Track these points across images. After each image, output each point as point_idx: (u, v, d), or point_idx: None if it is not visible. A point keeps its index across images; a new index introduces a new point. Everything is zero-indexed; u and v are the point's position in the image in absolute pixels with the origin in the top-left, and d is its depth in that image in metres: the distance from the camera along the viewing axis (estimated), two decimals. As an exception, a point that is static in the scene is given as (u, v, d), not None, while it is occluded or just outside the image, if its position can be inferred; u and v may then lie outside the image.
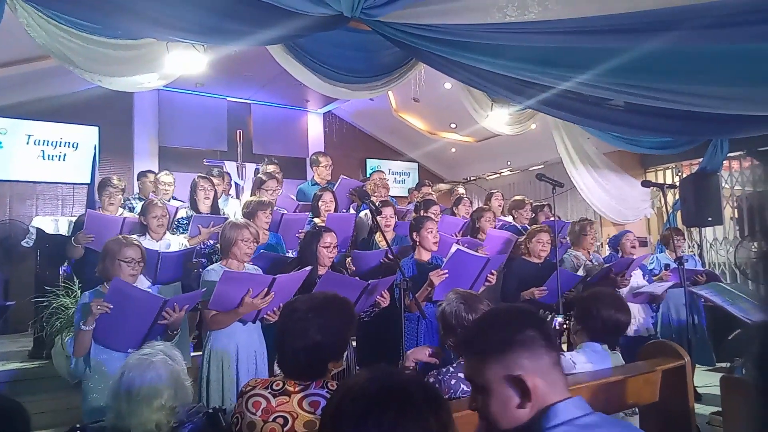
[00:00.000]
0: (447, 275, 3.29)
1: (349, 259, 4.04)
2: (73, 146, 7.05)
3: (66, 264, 4.79)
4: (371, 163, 9.60)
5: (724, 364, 4.94)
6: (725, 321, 4.70)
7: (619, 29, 3.08)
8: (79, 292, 4.20)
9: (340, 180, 5.27)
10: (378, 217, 3.82)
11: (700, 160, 6.30)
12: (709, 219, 6.13)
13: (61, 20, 3.71)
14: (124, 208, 4.80)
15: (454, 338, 2.17)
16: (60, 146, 6.98)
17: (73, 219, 4.97)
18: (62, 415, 3.88)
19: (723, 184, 6.55)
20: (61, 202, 7.00)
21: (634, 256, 4.66)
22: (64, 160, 6.99)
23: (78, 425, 1.75)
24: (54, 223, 4.69)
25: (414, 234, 3.68)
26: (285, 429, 1.56)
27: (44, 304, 4.24)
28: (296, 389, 1.61)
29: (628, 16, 2.94)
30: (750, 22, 2.70)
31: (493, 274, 3.55)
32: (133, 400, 1.68)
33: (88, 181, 6.31)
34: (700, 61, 3.28)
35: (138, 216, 4.01)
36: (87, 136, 7.10)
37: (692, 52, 3.25)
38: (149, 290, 2.98)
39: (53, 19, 3.69)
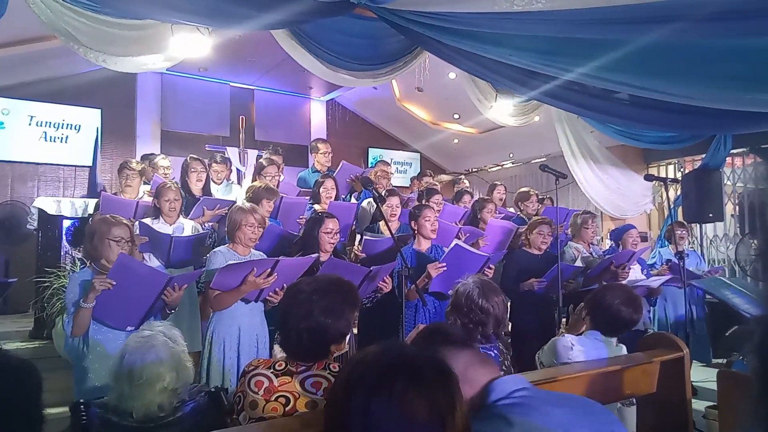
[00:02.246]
0: (445, 268, 3.31)
1: (356, 246, 4.04)
2: (75, 128, 7.04)
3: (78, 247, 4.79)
4: (373, 153, 9.59)
5: (720, 360, 4.97)
6: (724, 317, 4.73)
7: (627, 20, 3.07)
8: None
9: (341, 165, 5.26)
10: (383, 206, 3.82)
11: (703, 156, 6.30)
12: (710, 215, 6.15)
13: (66, -1, 3.69)
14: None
15: (459, 318, 2.19)
16: (62, 128, 6.96)
17: (75, 200, 4.98)
18: (62, 395, 3.88)
19: (725, 181, 6.55)
20: (62, 184, 6.99)
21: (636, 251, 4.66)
22: (66, 141, 6.98)
23: (81, 400, 1.76)
24: (56, 204, 4.68)
25: (413, 222, 3.69)
26: (286, 409, 1.57)
27: (45, 284, 4.26)
28: (298, 370, 1.62)
29: (635, 7, 2.93)
30: (758, 15, 2.68)
31: (491, 268, 3.57)
32: (135, 383, 1.68)
33: (90, 164, 6.33)
34: (707, 54, 3.27)
35: (153, 199, 4.00)
36: (89, 118, 7.09)
37: (699, 45, 3.23)
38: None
39: (59, -2, 3.67)
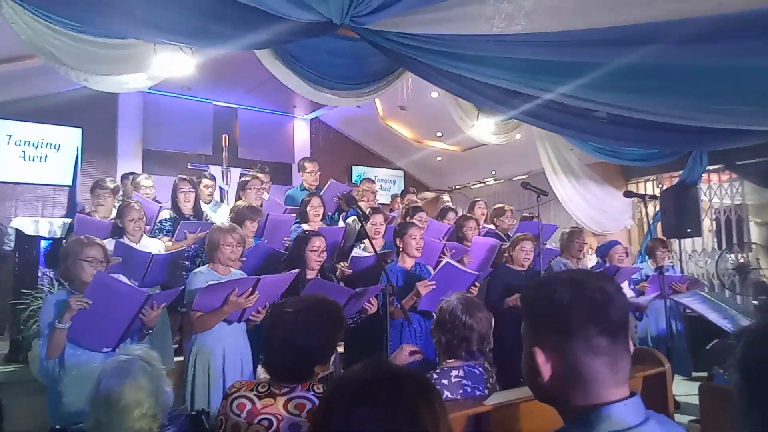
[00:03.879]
0: (434, 286, 3.31)
1: (343, 264, 4.03)
2: (55, 147, 6.95)
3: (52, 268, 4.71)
4: (357, 170, 9.62)
5: (702, 374, 5.01)
6: (703, 331, 4.78)
7: (604, 42, 3.15)
8: (58, 293, 4.12)
9: (329, 183, 5.27)
10: (367, 224, 3.83)
11: (680, 172, 6.42)
12: (689, 230, 6.24)
13: (47, 18, 3.67)
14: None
15: (443, 335, 2.19)
16: (42, 147, 6.88)
17: (53, 220, 4.90)
18: (39, 420, 3.79)
19: (702, 197, 6.69)
20: (41, 204, 6.88)
21: (621, 266, 4.73)
22: (45, 161, 6.89)
23: (58, 426, 1.71)
24: (34, 224, 4.60)
25: (397, 240, 3.70)
26: (270, 431, 1.55)
27: (22, 306, 4.16)
28: (282, 391, 1.60)
29: (613, 30, 3.00)
30: (731, 38, 2.78)
31: (476, 286, 3.58)
32: (113, 410, 1.63)
33: (70, 183, 6.24)
34: (682, 74, 3.36)
35: (115, 219, 3.95)
36: (69, 137, 7.01)
37: (675, 66, 3.32)
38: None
39: (39, 17, 3.65)
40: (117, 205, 4.76)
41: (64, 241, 4.00)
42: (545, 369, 0.99)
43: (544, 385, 1.00)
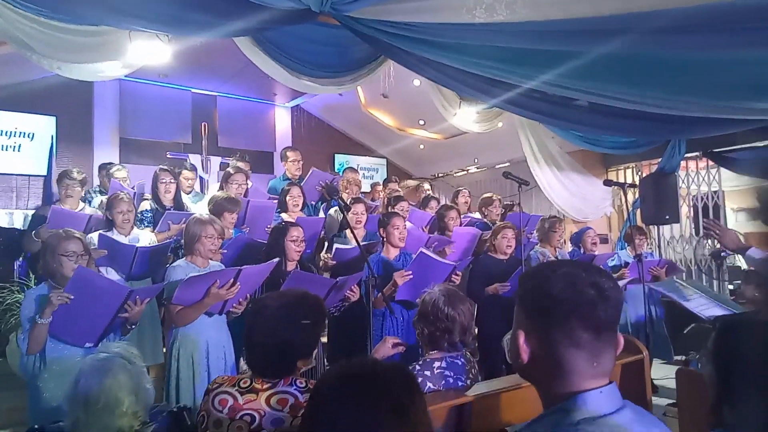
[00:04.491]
0: (411, 276, 3.32)
1: (327, 255, 4.02)
2: (28, 136, 6.78)
3: (21, 258, 4.63)
4: (339, 159, 9.57)
5: (679, 357, 5.13)
6: (681, 315, 4.88)
7: (583, 32, 3.16)
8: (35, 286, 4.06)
9: (311, 171, 5.23)
10: (348, 214, 3.82)
11: (659, 160, 6.51)
12: (667, 217, 6.36)
13: (17, 4, 3.56)
14: (84, 201, 4.66)
15: (426, 327, 2.20)
16: (15, 136, 6.70)
17: (28, 212, 4.81)
18: (17, 414, 3.74)
19: (680, 184, 6.79)
20: (15, 195, 6.71)
21: (596, 252, 4.79)
22: (19, 150, 6.72)
23: (36, 426, 1.69)
24: (8, 216, 4.52)
25: (381, 230, 3.70)
26: (252, 427, 1.55)
27: (-2, 300, 4.08)
28: (264, 387, 1.60)
29: (591, 20, 3.02)
30: (706, 30, 2.81)
31: (457, 275, 3.60)
32: (91, 409, 1.61)
33: (45, 173, 6.11)
34: (661, 63, 3.40)
35: (104, 212, 3.88)
36: (44, 126, 6.84)
37: (653, 55, 3.35)
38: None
39: (9, 3, 3.53)
40: (87, 197, 4.69)
41: (33, 233, 3.93)
42: (524, 352, 1.03)
43: (524, 367, 1.04)
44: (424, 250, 3.44)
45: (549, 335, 0.99)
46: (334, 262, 3.84)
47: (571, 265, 1.04)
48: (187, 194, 4.87)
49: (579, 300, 0.98)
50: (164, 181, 4.31)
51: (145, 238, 3.88)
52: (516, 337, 1.04)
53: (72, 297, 2.42)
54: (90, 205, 4.82)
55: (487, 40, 3.53)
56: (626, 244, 5.39)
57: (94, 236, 3.62)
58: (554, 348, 0.99)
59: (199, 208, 4.64)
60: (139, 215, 4.30)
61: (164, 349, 3.84)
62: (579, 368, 0.98)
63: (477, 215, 5.63)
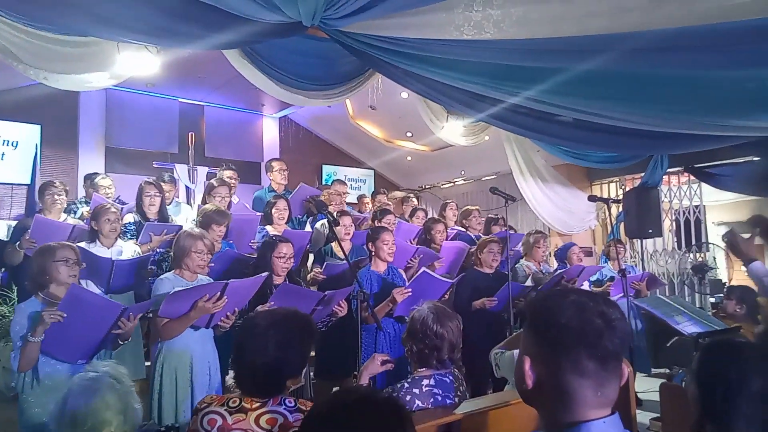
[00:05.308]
0: (410, 293, 3.34)
1: (317, 269, 4.01)
2: (12, 145, 6.69)
3: (2, 270, 4.55)
4: (327, 170, 9.58)
5: (661, 371, 5.19)
6: (663, 329, 4.95)
7: (568, 50, 3.23)
8: (17, 299, 4.00)
9: (299, 186, 5.22)
10: (336, 228, 3.82)
11: (642, 174, 6.62)
12: (650, 231, 6.45)
13: (3, 14, 3.52)
14: (68, 212, 4.60)
15: (414, 344, 2.21)
16: (-2, 144, 6.62)
17: (12, 222, 4.74)
18: (9, 426, 3.66)
19: (662, 198, 6.91)
20: (-2, 204, 6.63)
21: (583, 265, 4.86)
22: (2, 159, 6.62)
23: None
24: (-8, 226, 4.44)
25: (370, 244, 3.70)
26: (240, 447, 1.54)
27: (-22, 312, 4.02)
28: (253, 406, 1.59)
29: (577, 39, 3.08)
30: (688, 49, 2.89)
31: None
32: (78, 429, 1.59)
33: (29, 182, 6.03)
34: (643, 81, 3.48)
35: (89, 221, 3.84)
36: (28, 134, 6.76)
37: (635, 72, 3.43)
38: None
39: (-5, 13, 3.50)
40: (72, 207, 4.63)
41: (17, 244, 3.87)
42: (529, 378, 1.03)
43: (528, 392, 1.04)
44: (426, 270, 3.48)
45: (555, 363, 1.00)
46: (324, 277, 3.84)
47: (579, 293, 1.05)
48: (168, 204, 4.83)
49: (586, 329, 0.99)
50: (149, 194, 4.27)
51: (129, 249, 3.84)
52: (522, 363, 1.04)
53: (65, 315, 2.39)
54: (75, 215, 4.77)
55: (474, 56, 3.58)
56: (608, 259, 5.46)
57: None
58: (560, 376, 0.99)
59: (179, 220, 4.60)
60: (123, 227, 4.25)
61: (146, 364, 3.81)
62: (584, 397, 0.98)
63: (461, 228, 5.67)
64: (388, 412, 0.99)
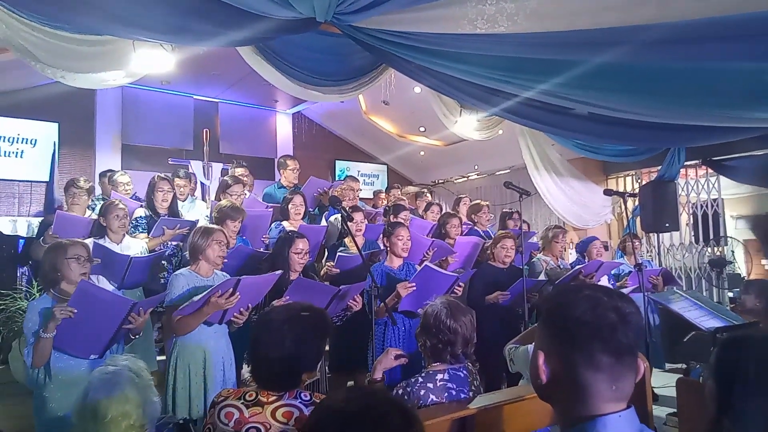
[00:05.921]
0: (414, 288, 3.34)
1: (330, 263, 4.04)
2: (31, 143, 6.81)
3: (26, 266, 4.64)
4: (340, 165, 9.60)
5: (676, 366, 5.14)
6: (679, 324, 4.90)
7: (582, 43, 3.20)
8: (37, 295, 4.07)
9: (309, 180, 5.25)
10: (349, 223, 3.83)
11: (659, 168, 6.54)
12: (667, 225, 6.38)
13: (21, 14, 3.58)
14: (91, 209, 4.67)
15: (428, 339, 2.22)
16: (17, 142, 6.72)
17: (31, 219, 4.83)
18: (19, 422, 3.74)
19: (679, 192, 6.82)
20: (17, 201, 6.73)
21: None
22: (21, 156, 6.74)
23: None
24: (12, 223, 4.53)
25: (385, 239, 3.72)
26: (257, 439, 1.56)
27: (1, 307, 4.09)
28: (269, 400, 1.61)
29: (591, 32, 3.05)
30: (703, 41, 2.84)
31: (460, 286, 3.61)
32: (100, 422, 1.62)
33: (47, 179, 6.13)
34: (659, 73, 3.43)
35: (98, 216, 3.89)
36: (46, 132, 6.86)
37: (651, 65, 3.39)
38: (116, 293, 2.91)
39: (13, 12, 3.56)
40: (90, 204, 4.71)
41: (41, 240, 3.94)
42: (543, 372, 1.03)
43: (543, 387, 1.05)
44: (428, 264, 3.47)
45: (569, 357, 1.00)
46: (338, 270, 3.86)
47: (593, 288, 1.05)
48: (183, 201, 4.88)
49: (600, 323, 0.99)
50: (162, 189, 4.31)
51: (137, 244, 3.89)
52: (536, 358, 1.05)
53: (75, 311, 2.42)
54: (94, 212, 4.84)
55: (487, 50, 3.56)
56: (623, 254, 5.40)
57: (88, 243, 3.63)
58: (574, 370, 0.99)
59: (193, 215, 4.65)
60: (133, 221, 4.30)
61: (160, 358, 3.86)
62: (598, 391, 0.98)
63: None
64: (398, 419, 0.98)
